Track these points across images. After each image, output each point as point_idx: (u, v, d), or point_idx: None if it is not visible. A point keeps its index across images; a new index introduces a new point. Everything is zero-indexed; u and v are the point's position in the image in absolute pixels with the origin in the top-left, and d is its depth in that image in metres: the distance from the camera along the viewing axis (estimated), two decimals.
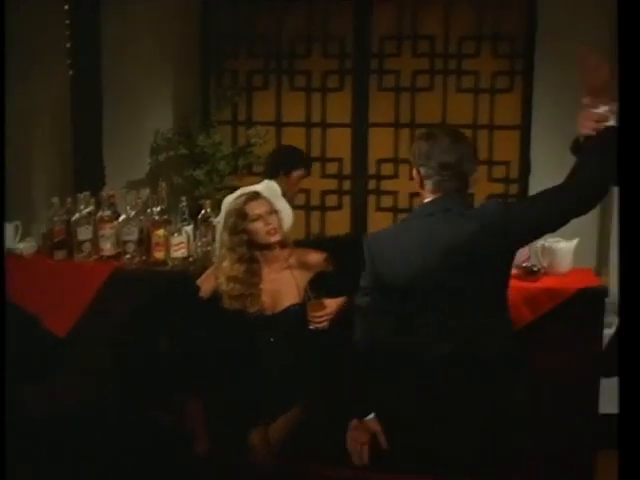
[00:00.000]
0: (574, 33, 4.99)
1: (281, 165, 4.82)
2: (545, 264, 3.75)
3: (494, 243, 2.62)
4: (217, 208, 4.09)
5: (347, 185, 5.57)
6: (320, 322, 3.32)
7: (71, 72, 5.32)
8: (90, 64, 5.39)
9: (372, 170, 5.53)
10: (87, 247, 4.00)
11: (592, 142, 2.58)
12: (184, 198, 3.99)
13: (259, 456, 3.26)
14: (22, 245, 4.11)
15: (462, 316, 2.66)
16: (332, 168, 5.54)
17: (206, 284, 3.48)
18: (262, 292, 3.42)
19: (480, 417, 2.68)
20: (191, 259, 3.94)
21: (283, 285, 3.42)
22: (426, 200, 2.80)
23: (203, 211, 3.95)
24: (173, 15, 5.51)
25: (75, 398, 3.83)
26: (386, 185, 5.54)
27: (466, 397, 2.66)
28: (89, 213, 4.02)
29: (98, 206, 4.04)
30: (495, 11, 5.21)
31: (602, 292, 3.66)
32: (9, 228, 4.10)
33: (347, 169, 5.54)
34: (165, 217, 3.94)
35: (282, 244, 3.47)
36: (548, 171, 4.78)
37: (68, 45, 5.29)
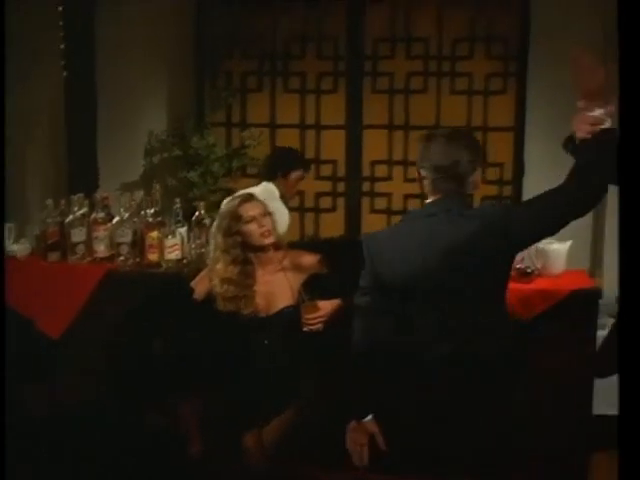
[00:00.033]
0: (568, 34, 5.00)
1: (279, 167, 4.82)
2: (539, 266, 3.75)
3: (494, 243, 2.62)
4: (211, 210, 4.10)
5: (341, 187, 5.58)
6: (314, 324, 3.32)
7: (65, 73, 5.32)
8: (84, 65, 5.39)
9: (366, 172, 5.54)
10: (81, 249, 3.99)
11: (589, 145, 2.58)
12: (178, 200, 3.98)
13: (253, 458, 3.26)
14: (16, 247, 4.09)
15: (462, 316, 2.66)
16: (326, 170, 5.55)
17: (200, 286, 3.48)
18: (256, 294, 3.41)
19: (480, 417, 2.67)
20: (185, 261, 3.93)
21: (277, 287, 3.41)
22: (426, 201, 2.80)
23: (197, 213, 3.95)
24: (167, 17, 5.51)
25: (72, 399, 3.83)
26: (380, 187, 5.56)
27: (466, 397, 2.66)
28: (83, 215, 4.01)
29: (92, 208, 4.03)
30: (488, 13, 5.23)
31: (596, 294, 3.68)
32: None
33: (341, 171, 5.55)
34: (159, 219, 3.94)
35: (276, 246, 3.47)
36: (542, 173, 4.81)
37: (62, 46, 5.28)
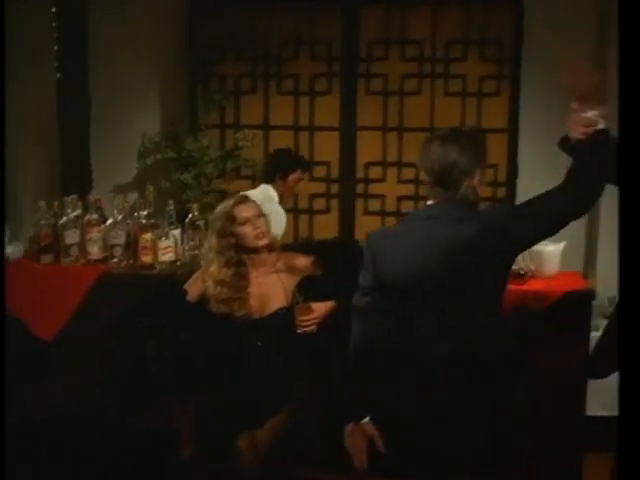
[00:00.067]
0: (561, 37, 5.02)
1: (277, 169, 4.83)
2: (532, 267, 3.76)
3: (494, 244, 2.62)
4: (205, 211, 4.10)
5: (335, 188, 5.58)
6: (308, 326, 3.31)
7: (58, 75, 5.31)
8: (78, 67, 5.38)
9: (360, 174, 5.54)
10: (74, 251, 3.98)
11: (584, 146, 2.60)
12: (171, 202, 3.98)
13: (246, 460, 3.25)
14: (9, 249, 4.08)
15: (462, 316, 2.65)
16: (320, 171, 5.54)
17: (193, 288, 3.47)
18: (250, 296, 3.41)
19: (480, 417, 2.67)
20: (178, 263, 3.93)
21: (271, 289, 3.41)
22: (427, 203, 2.78)
23: (190, 215, 3.94)
24: (160, 19, 5.50)
25: (67, 400, 3.82)
26: (374, 189, 5.56)
27: (466, 397, 2.66)
28: (76, 217, 4.00)
29: (85, 210, 4.03)
30: (482, 15, 5.24)
31: (589, 295, 3.68)
32: None
33: (335, 172, 5.55)
34: (152, 221, 3.93)
35: (270, 248, 3.47)
36: (535, 174, 4.81)
37: (56, 48, 5.27)
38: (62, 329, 3.89)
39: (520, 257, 3.66)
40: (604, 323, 4.35)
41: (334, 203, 5.59)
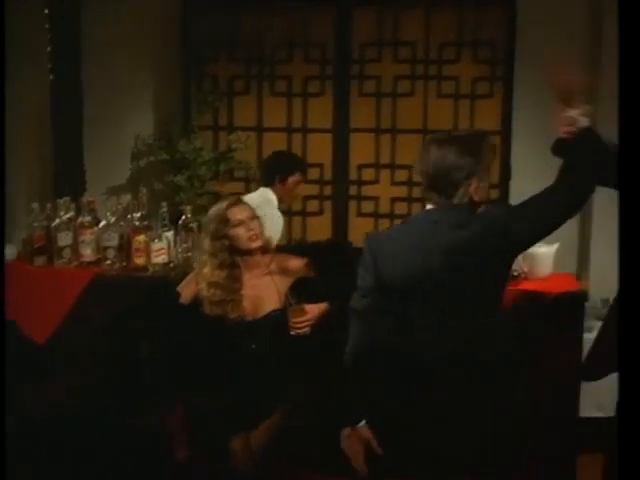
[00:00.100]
0: (554, 38, 5.03)
1: (277, 171, 4.82)
2: (525, 269, 3.76)
3: (494, 244, 2.62)
4: (198, 213, 4.09)
5: (328, 190, 5.58)
6: (301, 328, 3.31)
7: (51, 76, 5.30)
8: (71, 69, 5.38)
9: (353, 175, 5.54)
10: (67, 253, 3.98)
11: (570, 146, 2.62)
12: (164, 204, 3.97)
13: (241, 462, 3.25)
14: None
15: (463, 316, 2.65)
16: (313, 173, 5.54)
17: (186, 290, 3.47)
18: (243, 298, 3.41)
19: (480, 417, 2.68)
20: (171, 265, 3.92)
21: (264, 291, 3.41)
22: (426, 207, 2.77)
23: (184, 217, 3.94)
24: (154, 20, 5.50)
25: (64, 400, 3.81)
26: (367, 190, 5.56)
27: (466, 397, 2.66)
28: (69, 219, 4.00)
29: (78, 212, 4.02)
30: (475, 17, 5.25)
31: (582, 296, 3.69)
32: None
33: (328, 174, 5.55)
34: (145, 223, 3.93)
35: (263, 250, 3.47)
36: (528, 176, 4.81)
37: (49, 49, 5.27)
38: (55, 331, 3.89)
39: None
40: (597, 324, 4.36)
41: (327, 205, 5.59)
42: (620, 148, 2.27)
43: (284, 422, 3.26)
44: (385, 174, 5.52)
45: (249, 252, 3.43)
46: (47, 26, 5.26)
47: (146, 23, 5.49)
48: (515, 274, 3.68)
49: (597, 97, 4.96)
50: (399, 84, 5.41)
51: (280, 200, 4.85)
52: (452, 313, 2.65)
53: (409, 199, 5.48)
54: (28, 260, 4.03)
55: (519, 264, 3.73)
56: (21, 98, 5.48)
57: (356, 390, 2.78)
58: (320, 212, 5.60)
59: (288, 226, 5.57)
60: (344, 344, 2.93)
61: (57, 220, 3.98)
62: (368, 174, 5.54)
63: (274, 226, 4.58)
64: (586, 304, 3.76)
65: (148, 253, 3.90)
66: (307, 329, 3.32)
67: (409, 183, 5.45)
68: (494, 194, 5.32)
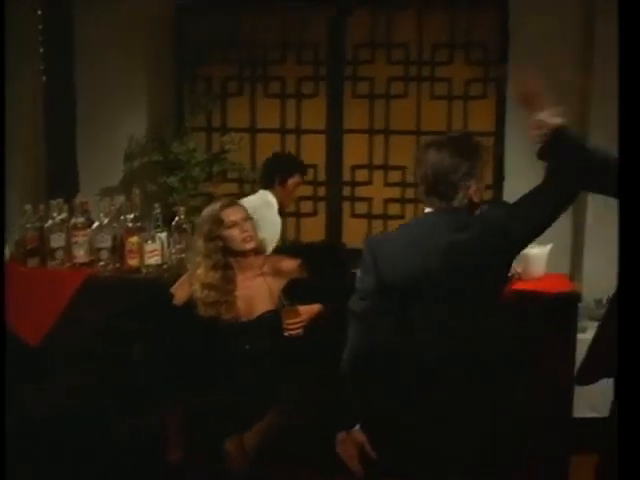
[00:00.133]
0: (546, 39, 5.04)
1: (276, 174, 4.81)
2: (519, 269, 3.77)
3: (494, 244, 2.63)
4: (191, 215, 4.09)
5: (322, 191, 5.58)
6: (294, 329, 3.32)
7: (44, 78, 5.29)
8: (64, 70, 5.37)
9: (347, 176, 5.54)
10: (60, 254, 3.97)
11: (546, 148, 2.66)
12: (158, 205, 3.97)
13: (234, 463, 3.25)
14: None
15: (464, 317, 2.66)
16: (307, 175, 5.53)
17: (180, 291, 3.47)
18: (236, 299, 3.41)
19: (480, 417, 2.68)
20: (165, 266, 3.92)
21: (257, 292, 3.41)
22: (425, 211, 2.77)
23: (177, 218, 3.94)
24: (147, 21, 5.49)
25: (64, 400, 3.81)
26: (361, 191, 5.56)
27: (466, 397, 2.66)
28: (62, 220, 3.99)
29: (71, 213, 4.01)
30: (468, 19, 5.25)
31: (575, 297, 3.70)
32: None
33: (322, 175, 5.55)
34: (139, 224, 3.93)
35: (257, 251, 3.47)
36: (522, 177, 4.80)
37: (42, 50, 5.26)
38: (48, 333, 3.88)
39: None
40: (591, 324, 4.39)
41: (321, 206, 5.59)
42: (620, 148, 2.28)
43: (278, 423, 3.26)
44: (378, 175, 5.52)
45: (243, 253, 3.43)
46: (40, 27, 5.25)
47: (139, 24, 5.48)
48: (509, 275, 3.68)
49: (590, 98, 4.99)
50: (392, 85, 5.41)
51: (280, 202, 4.84)
52: (452, 313, 2.65)
53: (402, 200, 5.48)
54: (21, 261, 4.02)
55: (513, 265, 3.73)
56: (14, 99, 5.47)
57: (352, 394, 2.77)
58: (314, 213, 5.60)
59: (282, 227, 5.56)
60: (338, 345, 2.93)
61: (50, 221, 3.98)
62: (361, 175, 5.54)
63: (272, 229, 4.58)
64: (579, 305, 3.77)
65: (141, 254, 3.89)
66: (300, 330, 3.32)
67: (402, 184, 5.45)
68: (488, 195, 5.33)
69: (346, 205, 5.58)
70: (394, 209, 5.50)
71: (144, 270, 3.90)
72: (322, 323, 3.32)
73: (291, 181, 4.83)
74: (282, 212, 4.92)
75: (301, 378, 3.29)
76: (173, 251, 3.93)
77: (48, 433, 3.67)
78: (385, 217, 5.51)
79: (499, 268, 2.71)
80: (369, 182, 5.54)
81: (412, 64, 5.37)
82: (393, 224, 5.39)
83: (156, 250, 3.90)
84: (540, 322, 3.57)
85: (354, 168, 5.53)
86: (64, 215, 4.00)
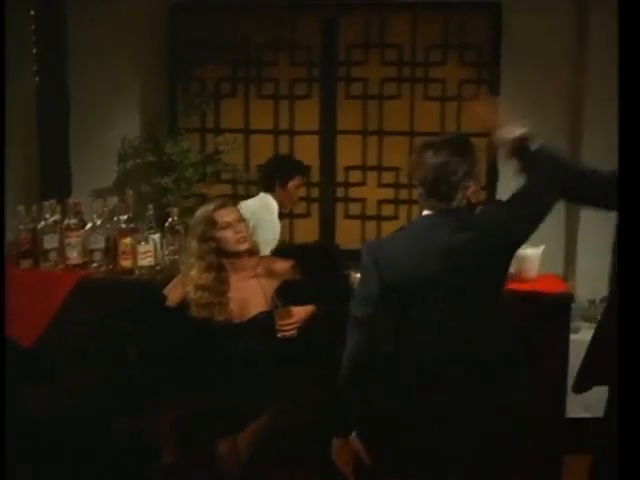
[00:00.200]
0: (539, 41, 5.05)
1: (276, 176, 4.80)
2: (512, 270, 3.77)
3: (495, 244, 2.64)
4: (185, 216, 4.08)
5: (315, 192, 5.58)
6: (288, 330, 3.31)
7: (38, 78, 5.28)
8: (57, 70, 5.36)
9: (340, 177, 5.55)
10: (53, 256, 3.96)
11: (519, 162, 2.75)
12: (151, 206, 3.96)
13: (227, 465, 3.24)
14: None
15: (462, 316, 2.66)
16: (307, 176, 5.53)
17: (173, 293, 3.46)
18: (230, 300, 3.40)
19: (480, 417, 2.68)
20: (158, 267, 3.91)
21: (250, 293, 3.41)
22: (423, 213, 2.77)
23: (170, 219, 3.93)
24: (140, 22, 5.49)
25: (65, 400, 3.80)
26: (354, 192, 5.56)
27: (466, 397, 2.66)
28: (55, 221, 3.98)
29: (64, 214, 4.00)
30: (461, 20, 5.26)
31: (569, 298, 3.71)
32: None
33: (315, 176, 5.55)
34: (132, 225, 3.92)
35: (250, 252, 3.46)
36: (515, 178, 4.83)
37: (35, 51, 5.25)
38: (41, 334, 3.87)
39: None
40: (584, 325, 4.41)
41: (314, 207, 5.59)
42: (620, 148, 2.30)
43: (271, 424, 3.25)
44: (372, 176, 5.53)
45: (236, 254, 3.42)
46: (33, 27, 5.24)
47: (132, 25, 5.48)
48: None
49: (584, 98, 5.00)
50: (386, 86, 5.42)
51: (280, 204, 4.84)
52: (453, 313, 2.65)
53: (396, 201, 5.49)
54: (14, 263, 4.01)
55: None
56: (6, 100, 5.46)
57: (351, 401, 2.76)
58: (307, 214, 5.60)
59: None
60: (331, 346, 2.92)
61: (43, 223, 3.97)
62: (355, 176, 5.54)
63: (270, 233, 4.57)
64: (573, 305, 3.78)
65: (134, 256, 3.89)
66: (294, 331, 3.32)
67: (396, 185, 5.46)
68: (481, 196, 5.34)
69: (339, 206, 5.58)
70: (388, 210, 5.51)
71: (137, 271, 3.89)
72: (315, 324, 3.32)
73: (292, 183, 4.83)
74: (282, 214, 4.93)
75: (294, 379, 3.28)
76: (166, 252, 3.92)
77: (48, 433, 3.67)
78: (379, 218, 5.52)
79: (499, 268, 2.73)
80: (363, 183, 5.54)
81: (405, 65, 5.39)
82: (387, 225, 5.41)
83: (149, 251, 3.89)
84: (533, 323, 3.57)
85: (347, 169, 5.53)
86: (57, 216, 3.99)
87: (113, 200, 4.05)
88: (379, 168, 5.50)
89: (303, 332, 3.32)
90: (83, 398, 3.72)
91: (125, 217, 3.92)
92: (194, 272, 3.42)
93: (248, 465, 3.24)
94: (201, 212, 3.49)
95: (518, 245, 2.78)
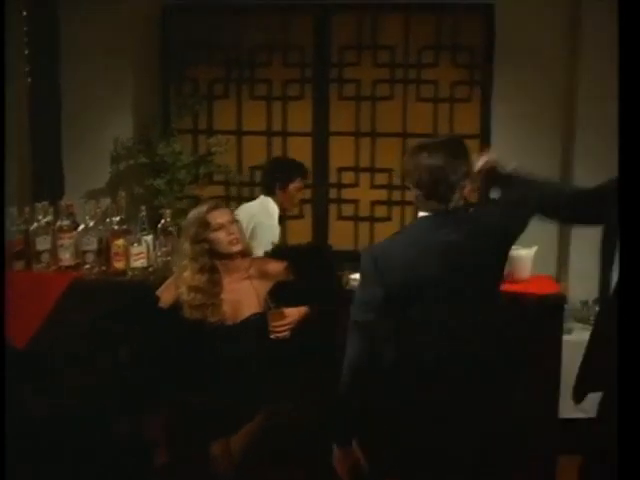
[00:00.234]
0: (531, 43, 5.06)
1: (277, 179, 4.79)
2: (505, 271, 3.77)
3: (494, 243, 2.66)
4: (177, 217, 4.08)
5: (308, 193, 5.57)
6: (281, 331, 3.31)
7: (30, 79, 5.27)
8: (49, 71, 5.35)
9: (333, 179, 5.55)
10: (46, 257, 3.95)
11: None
12: (144, 207, 3.96)
13: (221, 467, 3.24)
14: None
15: (462, 316, 2.66)
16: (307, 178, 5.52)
17: (166, 294, 3.46)
18: (223, 302, 3.40)
19: (480, 417, 2.68)
20: (151, 269, 3.91)
21: (243, 295, 3.40)
22: (419, 214, 2.76)
23: (163, 220, 3.93)
24: (133, 23, 5.48)
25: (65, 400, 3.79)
26: (347, 194, 5.56)
27: (466, 397, 2.66)
28: (47, 223, 3.98)
29: (57, 216, 4.00)
30: (454, 22, 5.26)
31: (561, 298, 3.72)
32: None
33: (308, 178, 5.54)
34: (125, 227, 3.92)
35: (243, 253, 3.46)
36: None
37: (27, 52, 5.24)
38: (34, 336, 3.86)
39: None
40: (577, 326, 4.42)
41: (307, 208, 5.59)
42: (620, 148, 2.31)
43: (265, 426, 3.25)
44: (365, 177, 5.53)
45: (229, 256, 3.42)
46: (25, 28, 5.23)
47: (125, 26, 5.47)
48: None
49: (576, 99, 5.02)
50: (378, 88, 5.42)
51: (281, 207, 4.83)
52: (452, 313, 2.66)
53: (389, 202, 5.49)
54: (7, 264, 4.00)
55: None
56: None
57: (351, 411, 2.75)
58: (300, 215, 5.60)
59: None
60: (324, 347, 2.93)
61: (35, 224, 3.96)
62: (348, 177, 5.54)
63: (268, 236, 4.56)
64: (565, 306, 3.79)
65: (127, 257, 3.88)
66: (287, 333, 3.32)
67: (389, 186, 5.47)
68: (473, 197, 5.34)
69: (332, 207, 5.58)
70: (381, 211, 5.51)
71: (130, 273, 3.89)
72: (308, 325, 3.32)
73: (292, 186, 4.82)
74: (283, 216, 4.92)
75: (288, 381, 3.28)
76: (159, 254, 3.92)
77: (48, 433, 3.67)
78: (372, 219, 5.52)
79: (498, 267, 2.74)
80: (355, 184, 5.54)
81: (398, 66, 5.39)
82: (380, 226, 5.42)
83: (142, 253, 3.89)
84: (526, 324, 3.58)
85: (340, 170, 5.53)
86: (49, 218, 3.99)
87: (106, 201, 4.04)
88: (372, 169, 5.50)
89: (296, 333, 3.32)
90: (77, 399, 3.71)
91: (118, 219, 3.91)
92: (187, 273, 3.41)
93: (241, 466, 3.24)
94: (194, 214, 3.48)
95: (513, 241, 2.80)
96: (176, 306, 3.41)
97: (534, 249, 3.79)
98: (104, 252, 3.93)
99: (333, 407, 2.78)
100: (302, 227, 5.57)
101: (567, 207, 2.82)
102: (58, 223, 3.96)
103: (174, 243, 3.81)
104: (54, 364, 3.84)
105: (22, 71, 5.28)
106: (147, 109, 5.54)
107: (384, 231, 5.01)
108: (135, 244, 3.87)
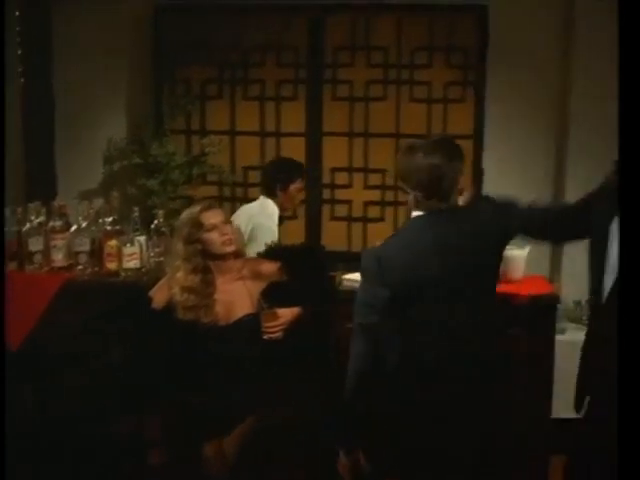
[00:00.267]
0: (526, 44, 5.07)
1: (277, 180, 4.78)
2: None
3: (492, 241, 2.67)
4: (170, 217, 4.08)
5: (302, 194, 5.56)
6: (274, 332, 3.31)
7: (23, 79, 5.26)
8: (42, 72, 5.34)
9: (326, 179, 5.54)
10: (38, 258, 3.95)
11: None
12: (137, 208, 3.95)
13: (214, 468, 3.24)
14: None
15: (462, 316, 2.67)
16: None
17: (159, 295, 3.45)
18: (216, 303, 3.40)
19: (480, 417, 2.69)
20: (144, 270, 3.91)
21: (236, 296, 3.40)
22: (413, 214, 2.76)
23: (156, 221, 3.92)
24: (125, 23, 5.47)
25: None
26: (340, 194, 5.56)
27: (466, 397, 2.66)
28: (40, 224, 3.97)
29: (49, 216, 3.99)
30: (447, 22, 5.26)
31: (554, 299, 3.73)
32: None
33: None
34: (117, 227, 3.91)
35: (236, 254, 3.46)
36: (500, 180, 4.85)
37: (19, 52, 5.23)
38: (27, 337, 3.85)
39: None
40: (570, 326, 4.43)
41: (300, 209, 5.58)
42: (620, 148, 2.32)
43: (258, 426, 3.25)
44: (358, 178, 5.53)
45: (222, 256, 3.42)
46: (18, 28, 5.21)
47: (118, 25, 5.45)
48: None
49: (570, 98, 5.02)
50: (372, 88, 5.42)
51: (282, 208, 4.82)
52: (452, 313, 2.66)
53: (382, 203, 5.49)
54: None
55: None
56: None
57: (356, 416, 2.75)
58: (294, 216, 5.59)
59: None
60: (317, 348, 2.92)
61: (28, 225, 3.96)
62: (341, 178, 5.54)
63: (267, 237, 4.55)
64: (558, 306, 3.80)
65: (120, 258, 3.88)
66: (280, 333, 3.32)
67: (382, 187, 5.46)
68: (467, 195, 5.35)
69: (326, 208, 5.58)
70: (374, 212, 5.51)
71: (123, 274, 3.89)
72: (302, 326, 3.32)
73: (293, 187, 4.81)
74: (283, 217, 4.91)
75: (281, 381, 3.28)
76: (152, 254, 3.91)
77: (48, 433, 3.67)
78: (365, 220, 5.52)
79: (495, 265, 2.75)
80: (349, 185, 5.54)
81: (391, 67, 5.38)
82: (373, 227, 5.42)
83: (135, 253, 3.89)
84: (519, 323, 3.59)
85: (334, 171, 5.53)
86: (42, 218, 3.98)
87: (99, 202, 4.05)
88: (365, 170, 5.50)
89: (289, 334, 3.32)
90: (70, 400, 3.71)
91: (110, 219, 3.91)
92: (180, 274, 3.41)
93: (234, 467, 3.24)
94: (187, 214, 3.48)
95: (510, 237, 2.81)
96: (169, 307, 3.41)
97: (527, 249, 3.80)
98: (97, 253, 3.93)
99: (336, 409, 2.78)
100: (295, 227, 5.56)
101: (554, 226, 2.85)
102: (51, 224, 3.96)
103: (167, 244, 3.81)
104: (47, 365, 3.84)
105: (15, 71, 5.26)
106: (140, 109, 5.53)
107: (377, 232, 5.01)
108: (128, 245, 3.87)
